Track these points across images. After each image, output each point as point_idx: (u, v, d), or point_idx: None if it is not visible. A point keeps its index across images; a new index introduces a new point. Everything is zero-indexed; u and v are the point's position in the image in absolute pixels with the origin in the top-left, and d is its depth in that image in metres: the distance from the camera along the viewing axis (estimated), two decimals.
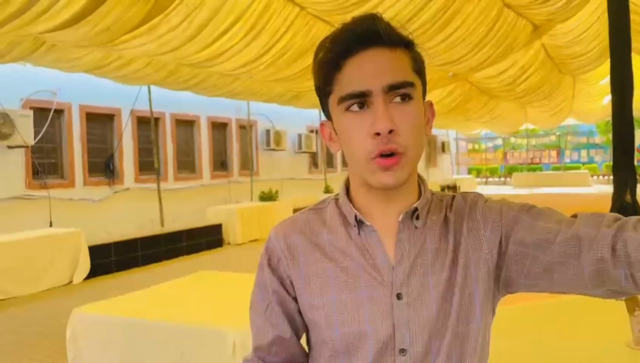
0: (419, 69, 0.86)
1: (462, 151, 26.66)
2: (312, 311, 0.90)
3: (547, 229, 0.82)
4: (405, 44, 0.85)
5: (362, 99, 0.81)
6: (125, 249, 7.89)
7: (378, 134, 0.80)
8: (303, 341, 0.98)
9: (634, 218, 0.77)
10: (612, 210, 2.86)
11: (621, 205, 2.73)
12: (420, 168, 0.84)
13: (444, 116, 14.34)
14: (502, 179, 26.14)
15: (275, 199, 11.55)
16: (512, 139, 26.14)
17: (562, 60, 12.00)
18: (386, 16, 0.84)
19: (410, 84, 0.82)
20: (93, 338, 2.99)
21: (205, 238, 9.43)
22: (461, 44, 7.89)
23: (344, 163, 17.07)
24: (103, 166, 9.55)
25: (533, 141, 25.98)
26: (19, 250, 6.45)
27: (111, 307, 3.13)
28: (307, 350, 0.97)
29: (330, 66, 0.83)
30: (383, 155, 0.81)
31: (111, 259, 7.66)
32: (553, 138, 25.93)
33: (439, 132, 22.53)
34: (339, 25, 0.84)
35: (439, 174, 22.08)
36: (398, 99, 0.81)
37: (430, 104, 0.90)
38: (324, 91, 0.87)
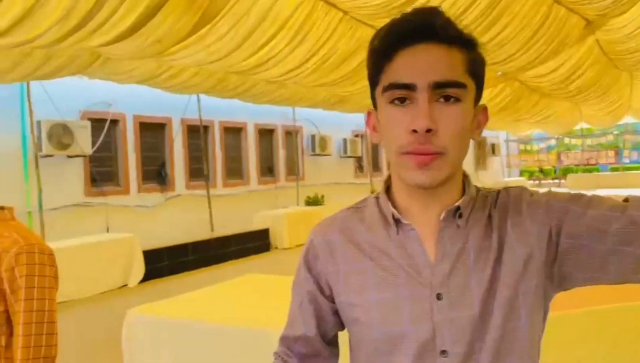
0: (474, 70, 0.83)
1: (513, 152, 25.92)
2: (350, 309, 0.90)
3: (599, 217, 0.77)
4: (463, 43, 0.82)
5: (405, 92, 0.79)
6: (176, 253, 8.14)
7: (415, 131, 0.77)
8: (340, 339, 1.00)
9: None
10: None
11: None
12: (470, 170, 0.81)
13: (492, 116, 13.97)
14: (557, 181, 25.21)
15: (321, 204, 11.61)
16: (567, 140, 25.17)
17: (617, 56, 11.47)
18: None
19: (460, 85, 0.79)
20: (146, 338, 3.10)
21: (253, 243, 9.59)
22: (510, 43, 7.69)
23: (390, 167, 16.93)
24: (156, 173, 9.88)
25: (589, 141, 24.93)
26: (79, 255, 6.77)
27: (164, 308, 3.24)
28: (332, 348, 0.99)
29: (382, 54, 0.82)
30: (418, 152, 0.79)
31: (164, 263, 7.92)
32: (610, 137, 24.76)
33: (489, 133, 21.98)
34: (399, 15, 0.82)
35: (489, 177, 21.55)
36: (442, 98, 0.79)
37: (484, 109, 0.87)
38: (373, 80, 0.86)
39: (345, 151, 14.24)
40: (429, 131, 0.77)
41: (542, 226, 0.83)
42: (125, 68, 6.72)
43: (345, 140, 14.22)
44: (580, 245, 0.80)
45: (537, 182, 25.35)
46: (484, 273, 0.83)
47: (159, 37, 5.07)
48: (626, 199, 0.79)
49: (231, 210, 10.79)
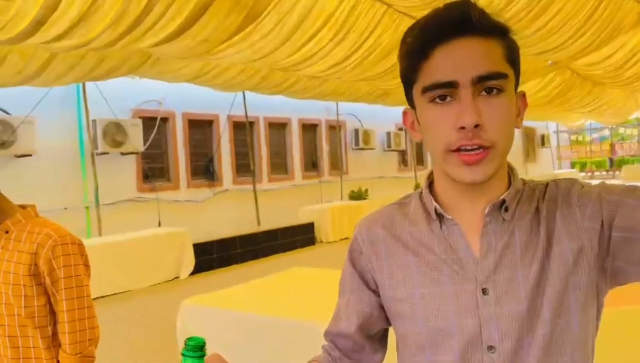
0: (513, 58, 0.81)
1: (563, 143, 25.02)
2: (395, 304, 0.90)
3: None
4: (500, 32, 0.80)
5: (447, 90, 0.78)
6: (225, 247, 8.36)
7: (463, 128, 0.76)
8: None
9: None
10: None
11: None
12: (518, 163, 0.79)
13: (542, 107, 13.54)
14: (611, 173, 24.16)
15: (365, 198, 11.60)
16: (621, 130, 24.07)
17: None
18: (479, 5, 0.80)
19: (503, 76, 0.78)
20: (199, 328, 3.22)
21: (299, 237, 9.72)
22: (560, 30, 7.43)
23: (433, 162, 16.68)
24: (204, 169, 10.14)
25: None
26: (132, 248, 7.05)
27: (216, 300, 3.35)
28: (376, 344, 1.00)
29: (417, 53, 0.80)
30: (466, 149, 0.77)
31: (213, 256, 8.14)
32: None
33: (538, 124, 21.20)
34: (430, 11, 0.81)
35: (538, 170, 20.89)
36: (484, 91, 0.77)
37: (522, 95, 0.86)
38: (408, 79, 0.84)
39: (388, 145, 14.15)
40: (476, 126, 0.76)
41: (594, 219, 0.81)
42: (174, 67, 6.93)
43: (388, 134, 14.13)
44: (633, 239, 0.78)
45: (589, 174, 24.40)
46: (531, 268, 0.81)
47: (206, 37, 5.20)
48: None
49: (276, 204, 10.94)
